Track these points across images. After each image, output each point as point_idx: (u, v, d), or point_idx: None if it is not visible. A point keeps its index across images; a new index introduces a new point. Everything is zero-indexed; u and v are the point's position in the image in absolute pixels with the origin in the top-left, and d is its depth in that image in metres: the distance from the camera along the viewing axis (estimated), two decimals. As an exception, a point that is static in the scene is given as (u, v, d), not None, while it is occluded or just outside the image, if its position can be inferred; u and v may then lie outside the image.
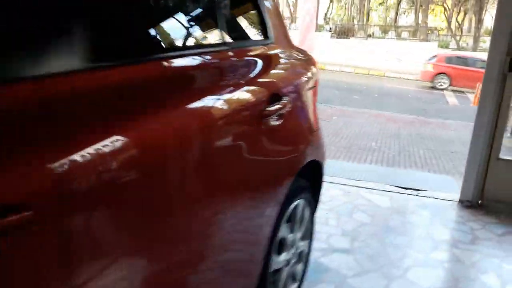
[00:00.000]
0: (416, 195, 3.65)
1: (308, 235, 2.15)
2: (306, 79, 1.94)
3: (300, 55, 2.05)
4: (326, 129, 7.35)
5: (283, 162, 1.67)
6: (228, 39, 1.50)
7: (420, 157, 5.77)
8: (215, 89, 1.29)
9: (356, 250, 2.70)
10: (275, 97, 1.58)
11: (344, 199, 3.48)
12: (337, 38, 20.54)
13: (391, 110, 9.91)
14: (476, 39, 23.42)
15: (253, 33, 1.75)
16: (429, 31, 24.39)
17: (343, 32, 21.53)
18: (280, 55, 1.78)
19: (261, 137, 1.49)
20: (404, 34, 24.83)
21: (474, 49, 21.47)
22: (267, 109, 1.51)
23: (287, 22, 24.30)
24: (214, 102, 1.27)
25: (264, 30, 1.74)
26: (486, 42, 22.11)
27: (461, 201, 3.45)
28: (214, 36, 1.45)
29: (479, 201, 3.43)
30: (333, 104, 10.12)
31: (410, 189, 3.78)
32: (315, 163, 2.07)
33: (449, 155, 5.97)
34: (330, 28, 22.03)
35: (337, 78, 15.80)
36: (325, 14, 25.57)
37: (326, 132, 6.90)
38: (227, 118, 1.31)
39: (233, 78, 1.42)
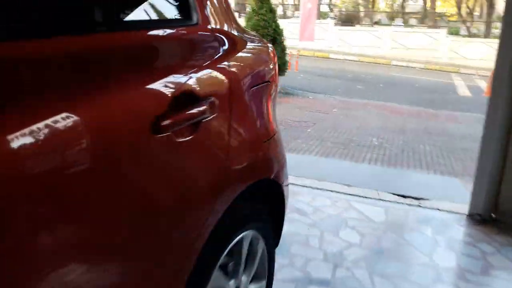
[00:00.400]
0: (417, 206, 3.10)
1: (264, 274, 1.64)
2: (252, 73, 1.40)
3: (251, 43, 1.51)
4: (324, 123, 6.83)
5: (204, 185, 1.15)
6: (110, 17, 0.98)
7: (426, 155, 5.20)
8: (76, 93, 0.81)
9: (337, 282, 2.17)
10: (187, 100, 1.06)
11: (331, 211, 2.95)
12: (341, 25, 19.81)
13: (397, 101, 9.28)
14: (488, 25, 22.50)
15: (164, 11, 1.20)
16: (438, 18, 23.48)
17: (348, 20, 20.77)
18: (207, 41, 1.24)
19: (156, 155, 0.97)
20: (412, 21, 23.91)
21: (486, 35, 20.59)
22: (170, 117, 0.98)
23: (290, 9, 23.59)
24: (70, 114, 0.78)
25: (184, 8, 1.21)
26: (498, 28, 21.23)
27: (470, 215, 2.90)
28: (91, 13, 0.93)
29: (492, 215, 2.87)
30: (334, 94, 9.54)
31: (411, 197, 3.24)
32: (270, 182, 1.55)
33: (458, 153, 5.38)
34: (335, 16, 21.27)
35: (341, 67, 15.14)
36: (330, 1, 24.72)
37: (324, 126, 6.37)
38: (89, 134, 0.81)
39: (109, 73, 0.90)
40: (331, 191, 3.29)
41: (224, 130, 1.20)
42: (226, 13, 1.39)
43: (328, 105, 8.29)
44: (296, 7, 23.67)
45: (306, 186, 3.34)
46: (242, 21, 8.78)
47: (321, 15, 20.29)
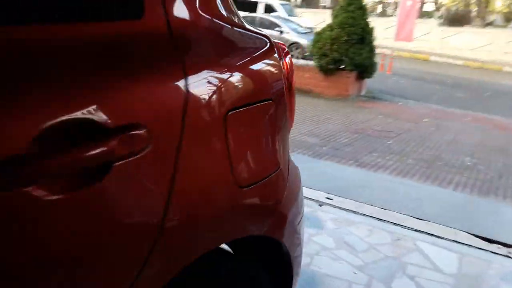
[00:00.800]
0: (506, 256, 2.44)
1: None
2: (234, 88, 0.99)
3: (244, 45, 1.09)
4: (410, 134, 6.06)
5: (107, 259, 0.77)
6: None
7: (531, 184, 4.31)
8: None
9: None
10: (82, 132, 0.69)
11: (389, 251, 2.41)
12: (448, 26, 18.13)
13: (503, 114, 8.07)
14: None
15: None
16: None
17: (456, 20, 18.95)
18: (155, 43, 0.84)
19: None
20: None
21: None
22: (37, 161, 0.63)
23: (392, 7, 22.23)
24: None
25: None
26: None
27: None
28: None
29: None
30: (428, 102, 8.59)
31: (498, 243, 2.57)
32: (265, 240, 1.13)
33: None
34: (442, 15, 19.53)
35: (442, 71, 13.81)
36: (436, 0, 22.74)
37: (408, 138, 5.63)
38: None
39: None
40: (395, 224, 2.73)
41: (163, 173, 0.81)
42: (207, 2, 0.99)
43: (419, 114, 7.45)
44: (398, 5, 22.08)
45: (366, 215, 2.82)
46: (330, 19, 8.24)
47: (425, 14, 18.78)
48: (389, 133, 5.93)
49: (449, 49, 16.79)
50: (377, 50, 8.34)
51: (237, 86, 1.00)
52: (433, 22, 17.93)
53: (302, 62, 8.55)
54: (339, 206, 2.89)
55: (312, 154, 4.59)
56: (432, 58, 15.83)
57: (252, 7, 15.23)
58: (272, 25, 13.22)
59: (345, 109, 7.32)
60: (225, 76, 0.97)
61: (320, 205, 2.88)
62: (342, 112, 7.08)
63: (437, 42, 17.07)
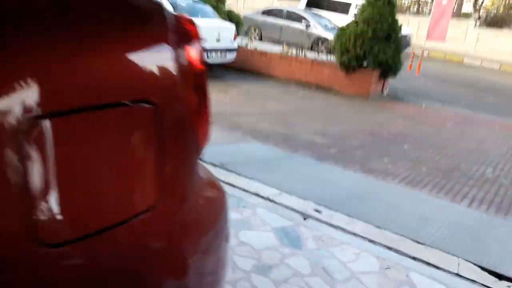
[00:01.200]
0: (515, 297, 2.04)
1: None
2: (48, 86, 0.65)
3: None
4: (429, 140, 5.57)
5: None
6: None
7: (559, 205, 3.82)
8: None
9: None
10: None
11: (373, 283, 2.05)
12: (486, 28, 17.20)
13: (537, 123, 7.46)
14: None
15: None
16: None
17: (495, 22, 17.96)
18: None
19: None
20: None
21: None
22: None
23: (426, 7, 21.35)
24: None
25: None
26: None
27: None
28: None
29: None
30: (455, 106, 8.04)
31: (509, 280, 2.17)
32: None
33: None
34: (479, 16, 18.53)
35: (474, 74, 13.07)
36: (475, 1, 21.55)
37: (426, 144, 5.12)
38: None
39: None
40: (389, 248, 2.35)
41: None
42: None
43: (442, 118, 6.95)
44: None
45: (356, 234, 2.45)
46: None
47: (463, 15, 17.88)
48: (406, 137, 5.49)
49: (485, 52, 15.92)
50: (407, 49, 7.85)
51: (65, 78, 0.66)
52: (470, 24, 17.04)
53: (322, 57, 8.13)
54: (326, 221, 2.53)
55: (316, 155, 4.22)
56: (466, 60, 15.03)
57: (345, 8, 14.75)
58: (299, 19, 12.80)
59: (364, 108, 6.90)
60: (43, 62, 0.64)
61: (305, 219, 2.53)
62: (360, 111, 6.65)
63: (472, 44, 16.22)
